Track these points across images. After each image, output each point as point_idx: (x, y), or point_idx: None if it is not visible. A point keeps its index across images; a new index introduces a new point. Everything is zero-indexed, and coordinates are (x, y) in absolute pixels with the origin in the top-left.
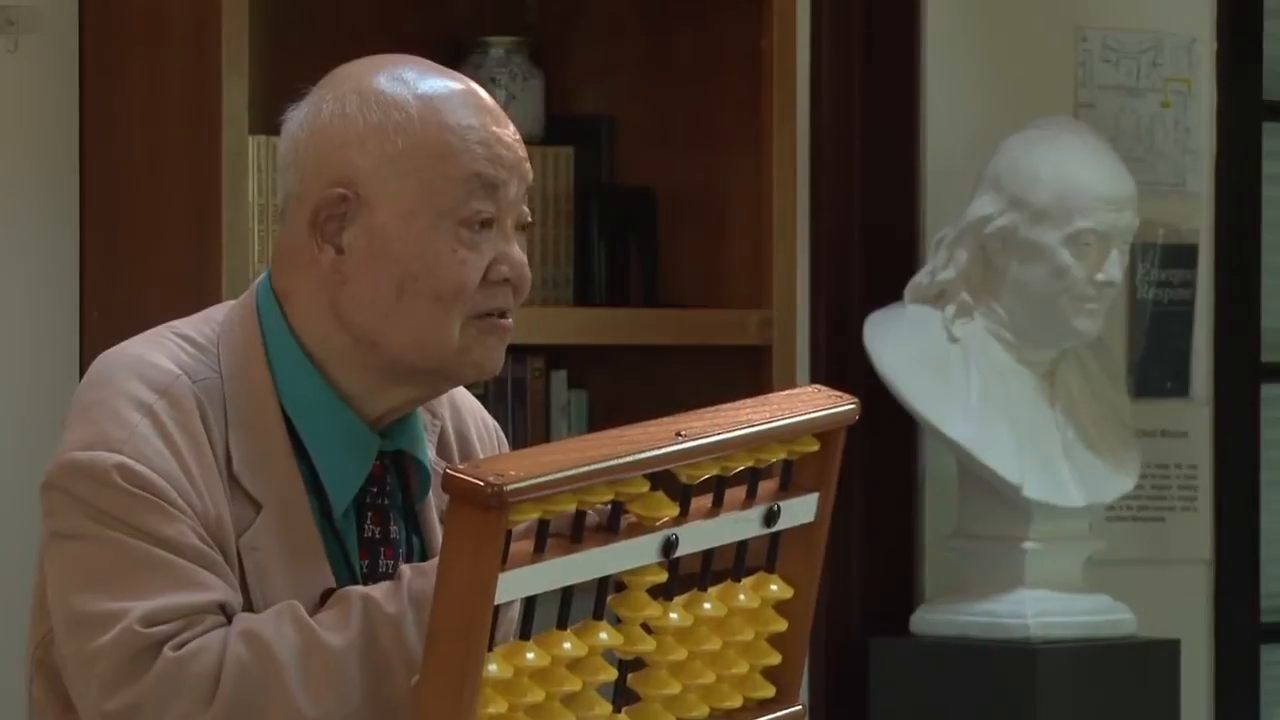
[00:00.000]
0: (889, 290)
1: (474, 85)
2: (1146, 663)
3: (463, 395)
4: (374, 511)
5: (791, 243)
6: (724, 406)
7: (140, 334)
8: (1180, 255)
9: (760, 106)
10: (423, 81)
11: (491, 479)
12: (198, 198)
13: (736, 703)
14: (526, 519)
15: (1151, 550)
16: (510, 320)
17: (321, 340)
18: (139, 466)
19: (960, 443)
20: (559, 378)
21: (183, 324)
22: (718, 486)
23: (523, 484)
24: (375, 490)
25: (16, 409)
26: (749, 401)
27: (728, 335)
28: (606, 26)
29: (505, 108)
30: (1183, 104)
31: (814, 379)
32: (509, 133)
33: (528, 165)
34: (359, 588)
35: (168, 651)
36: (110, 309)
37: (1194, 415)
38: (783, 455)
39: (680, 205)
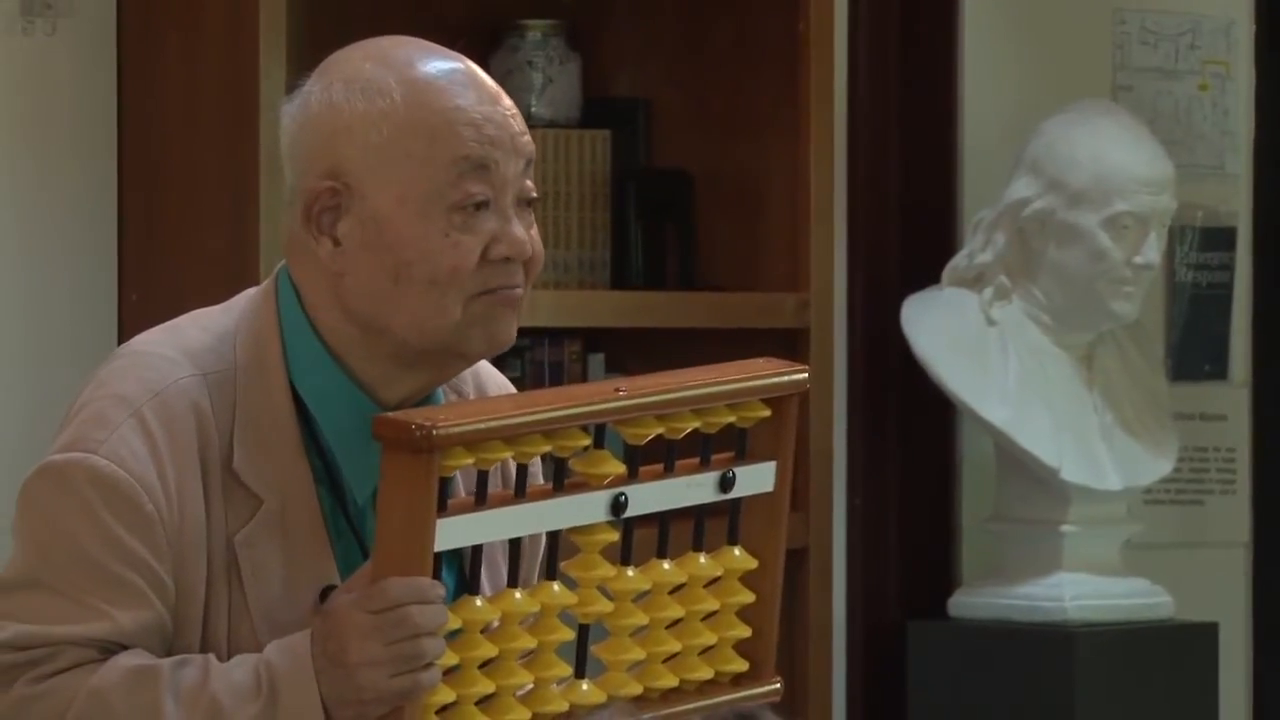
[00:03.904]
0: (926, 273)
1: (467, 64)
2: (1185, 646)
3: (490, 374)
4: None
5: (829, 226)
6: (673, 371)
7: (166, 322)
8: (1218, 238)
9: (797, 89)
10: (409, 65)
11: (421, 422)
12: (235, 181)
13: (708, 675)
14: (460, 465)
15: (1189, 533)
16: (519, 291)
17: (333, 329)
18: (111, 467)
19: (998, 425)
20: (596, 361)
21: (207, 312)
22: (669, 451)
23: (453, 428)
24: None
25: (56, 392)
26: (700, 368)
27: (765, 318)
28: (643, 9)
29: (542, 91)
30: (1221, 86)
31: (851, 362)
32: (501, 110)
33: (525, 140)
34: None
35: (20, 687)
36: (149, 292)
37: (1232, 398)
38: (731, 419)
39: (717, 188)
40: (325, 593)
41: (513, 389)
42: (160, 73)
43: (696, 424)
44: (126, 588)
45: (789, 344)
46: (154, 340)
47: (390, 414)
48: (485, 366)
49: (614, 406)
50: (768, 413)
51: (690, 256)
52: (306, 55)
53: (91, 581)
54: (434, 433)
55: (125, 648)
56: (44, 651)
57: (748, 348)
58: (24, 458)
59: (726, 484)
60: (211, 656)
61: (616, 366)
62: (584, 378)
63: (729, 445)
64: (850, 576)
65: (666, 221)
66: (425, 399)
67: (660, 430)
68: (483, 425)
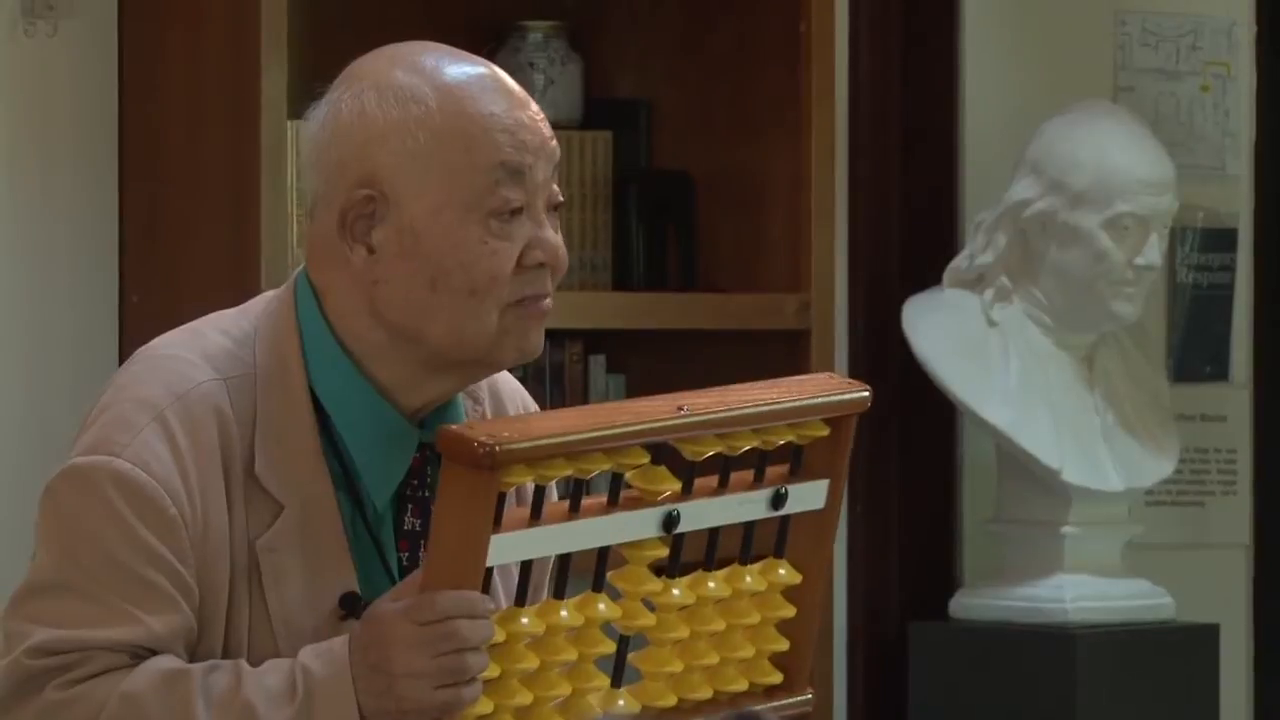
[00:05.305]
0: (927, 274)
1: (495, 69)
2: (1185, 647)
3: (504, 379)
4: (414, 504)
5: (830, 227)
6: (733, 386)
7: (185, 324)
8: (1219, 239)
9: (799, 90)
10: (440, 70)
11: (485, 438)
12: (237, 182)
13: (742, 686)
14: (519, 481)
15: (1190, 535)
16: (549, 302)
17: (359, 335)
18: (135, 471)
19: (999, 427)
20: (597, 362)
21: (225, 315)
22: (725, 468)
23: (516, 445)
24: (416, 482)
25: (57, 393)
26: (759, 383)
27: (766, 319)
28: (644, 10)
29: (543, 92)
30: (1222, 87)
31: (852, 363)
32: (531, 114)
33: (554, 145)
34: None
35: (50, 692)
36: (150, 293)
37: (1233, 399)
38: (790, 438)
39: (718, 189)
40: (345, 599)
41: (526, 394)
42: (162, 74)
43: (756, 443)
44: (155, 591)
45: (790, 345)
46: (174, 344)
47: (453, 427)
48: (501, 374)
49: (677, 424)
50: (826, 431)
51: (692, 258)
52: (307, 56)
53: (120, 585)
54: (497, 450)
55: (155, 652)
56: (75, 656)
57: (749, 349)
58: (25, 458)
59: (778, 501)
60: (243, 661)
61: (618, 368)
62: (585, 379)
63: (782, 458)
64: (851, 578)
65: (668, 223)
66: (445, 405)
67: (720, 448)
68: (546, 443)
